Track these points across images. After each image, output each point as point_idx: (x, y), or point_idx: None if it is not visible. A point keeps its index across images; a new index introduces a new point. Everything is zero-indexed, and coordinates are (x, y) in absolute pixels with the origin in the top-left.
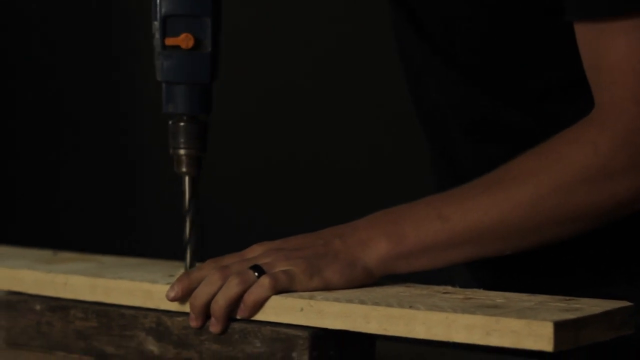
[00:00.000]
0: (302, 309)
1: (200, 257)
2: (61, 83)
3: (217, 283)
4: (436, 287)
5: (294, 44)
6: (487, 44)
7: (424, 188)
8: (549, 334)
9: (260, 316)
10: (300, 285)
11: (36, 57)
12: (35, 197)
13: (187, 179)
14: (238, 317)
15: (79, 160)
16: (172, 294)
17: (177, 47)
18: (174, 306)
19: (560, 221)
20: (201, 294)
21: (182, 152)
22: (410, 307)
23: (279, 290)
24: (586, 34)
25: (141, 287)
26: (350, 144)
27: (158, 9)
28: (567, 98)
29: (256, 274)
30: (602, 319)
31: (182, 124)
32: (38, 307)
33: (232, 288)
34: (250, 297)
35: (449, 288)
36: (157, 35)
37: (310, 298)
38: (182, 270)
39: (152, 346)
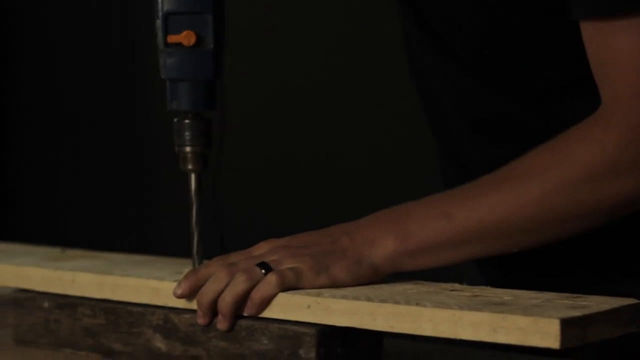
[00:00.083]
0: (309, 306)
1: (207, 254)
2: (69, 80)
3: (224, 280)
4: (443, 285)
5: (294, 44)
6: (488, 44)
7: (426, 187)
8: (556, 331)
9: (267, 313)
10: (307, 283)
11: (44, 54)
12: (44, 195)
13: (192, 176)
14: (245, 314)
15: (87, 158)
16: (179, 291)
17: (179, 45)
18: (182, 303)
19: (566, 219)
20: (208, 291)
21: (187, 149)
22: (417, 304)
23: (286, 288)
24: (590, 32)
25: (149, 284)
26: (352, 143)
27: (160, 6)
28: (572, 97)
29: (263, 271)
30: (610, 316)
31: (186, 121)
32: (46, 304)
33: (239, 285)
34: (257, 294)
35: (456, 285)
36: (160, 33)
37: (317, 295)
38: (189, 268)
39: (160, 343)
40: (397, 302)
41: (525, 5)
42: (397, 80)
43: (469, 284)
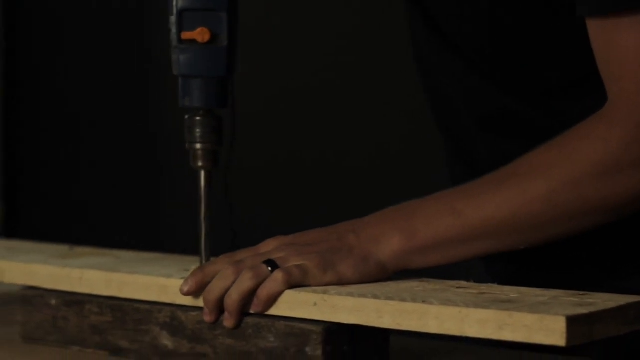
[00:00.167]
0: (315, 304)
1: (219, 252)
2: (83, 78)
3: (230, 277)
4: (450, 282)
5: (303, 43)
6: (493, 43)
7: (433, 185)
8: (562, 329)
9: (273, 311)
10: (314, 280)
11: (57, 51)
12: (54, 192)
13: (202, 173)
14: (252, 311)
15: (98, 155)
16: (185, 288)
17: (193, 41)
18: (189, 301)
19: (572, 216)
20: (215, 289)
21: (198, 146)
22: (424, 301)
23: (292, 285)
24: (596, 30)
25: (156, 281)
26: (360, 141)
27: (174, 3)
28: (577, 95)
29: (270, 268)
30: (616, 313)
31: (198, 118)
32: (54, 302)
33: (245, 282)
34: (264, 292)
35: (463, 283)
36: (174, 30)
37: (324, 293)
38: (197, 265)
39: (167, 341)
40: (403, 300)
41: (529, 4)
42: (405, 78)
43: (475, 281)
